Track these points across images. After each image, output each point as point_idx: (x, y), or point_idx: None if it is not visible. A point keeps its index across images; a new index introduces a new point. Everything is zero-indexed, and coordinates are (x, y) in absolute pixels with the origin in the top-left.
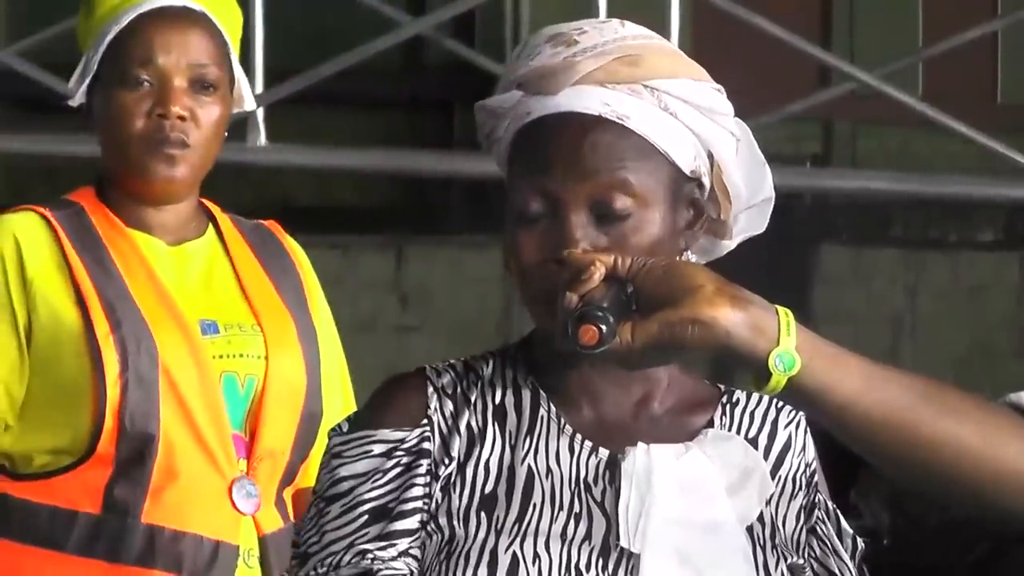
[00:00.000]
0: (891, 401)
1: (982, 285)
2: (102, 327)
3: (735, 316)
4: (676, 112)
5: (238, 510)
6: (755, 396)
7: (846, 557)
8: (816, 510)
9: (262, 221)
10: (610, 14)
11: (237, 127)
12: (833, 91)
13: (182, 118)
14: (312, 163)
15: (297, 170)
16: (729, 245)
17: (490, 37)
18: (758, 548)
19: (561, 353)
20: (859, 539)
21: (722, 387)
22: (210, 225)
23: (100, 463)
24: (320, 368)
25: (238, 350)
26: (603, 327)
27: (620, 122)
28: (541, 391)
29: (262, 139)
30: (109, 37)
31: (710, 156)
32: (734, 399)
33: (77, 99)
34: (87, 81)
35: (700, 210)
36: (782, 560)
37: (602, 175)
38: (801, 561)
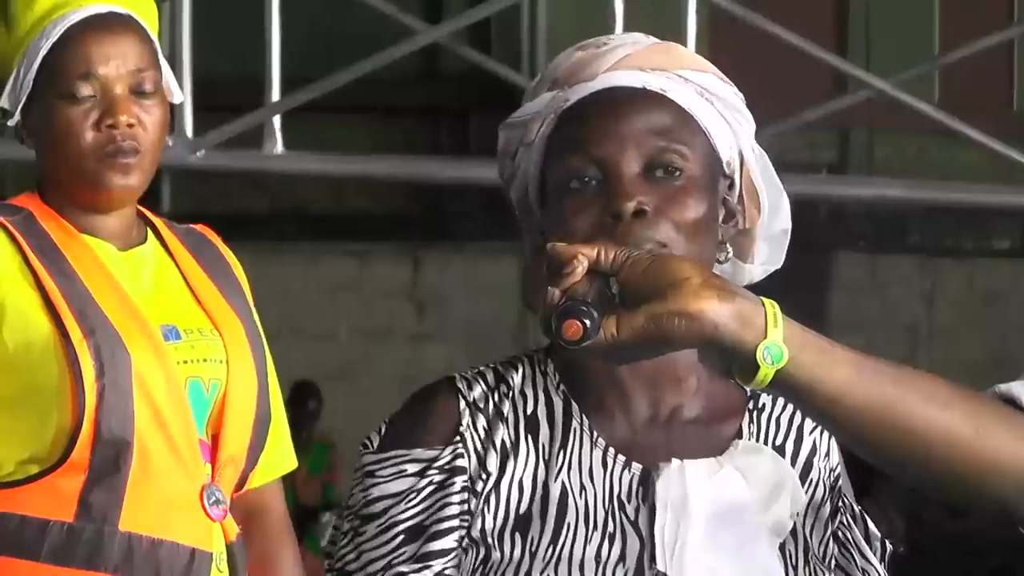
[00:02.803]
0: (881, 392)
1: (998, 292)
2: (76, 334)
3: (722, 308)
4: (711, 100)
5: (209, 516)
6: (780, 401)
7: (875, 560)
8: (840, 514)
9: (193, 225)
10: (627, 20)
11: (253, 135)
12: (849, 99)
13: (131, 125)
14: (328, 171)
15: (313, 178)
16: (752, 271)
17: (506, 45)
18: (790, 568)
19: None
20: (887, 542)
21: (748, 391)
22: (149, 230)
23: (72, 471)
24: (267, 373)
25: (201, 355)
26: (587, 321)
27: (662, 93)
28: (573, 401)
29: (278, 147)
30: (42, 53)
31: (741, 157)
32: (760, 404)
33: (13, 119)
34: (22, 99)
35: (731, 211)
36: None
37: (651, 137)
38: (830, 575)
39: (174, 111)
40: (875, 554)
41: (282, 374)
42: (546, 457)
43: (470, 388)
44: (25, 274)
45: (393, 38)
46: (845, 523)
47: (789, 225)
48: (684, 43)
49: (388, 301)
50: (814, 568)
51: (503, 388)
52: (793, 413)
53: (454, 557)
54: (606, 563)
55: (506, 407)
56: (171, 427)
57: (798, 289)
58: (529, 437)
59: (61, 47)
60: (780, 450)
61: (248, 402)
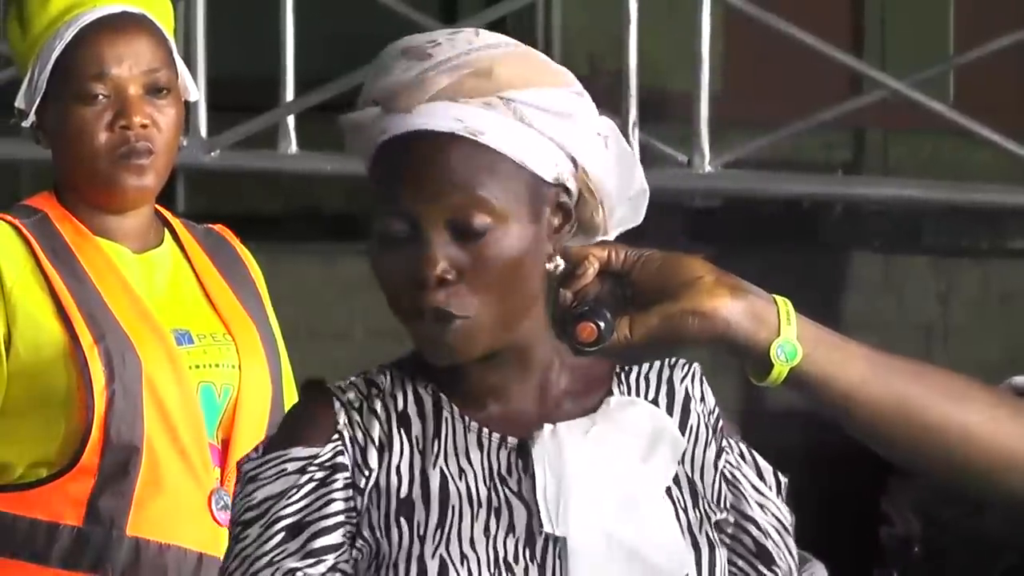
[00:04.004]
0: (896, 387)
1: (1014, 293)
2: (86, 339)
3: (735, 307)
4: (532, 122)
5: (217, 521)
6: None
7: (770, 493)
8: (724, 454)
9: (212, 225)
10: (640, 22)
11: (267, 135)
12: (865, 99)
13: (144, 126)
14: (343, 170)
15: (328, 177)
16: (607, 239)
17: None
18: (679, 511)
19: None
20: (781, 475)
21: None
22: (166, 231)
23: (83, 474)
24: (281, 377)
25: (213, 360)
26: (601, 324)
27: (474, 138)
28: (441, 395)
29: (293, 147)
30: (55, 54)
31: (573, 160)
32: (627, 367)
33: (29, 119)
34: (37, 100)
35: (568, 214)
36: (706, 520)
37: (457, 194)
38: (724, 515)
39: (188, 111)
40: (772, 489)
41: (297, 375)
42: (420, 447)
43: (344, 392)
44: (37, 278)
45: None
46: (732, 463)
47: (646, 185)
48: (699, 44)
49: None
50: (704, 510)
51: (374, 391)
52: (662, 368)
53: (344, 552)
54: (495, 535)
55: (378, 405)
56: (181, 432)
57: (812, 289)
58: (401, 431)
59: (74, 47)
60: (654, 404)
61: (261, 407)
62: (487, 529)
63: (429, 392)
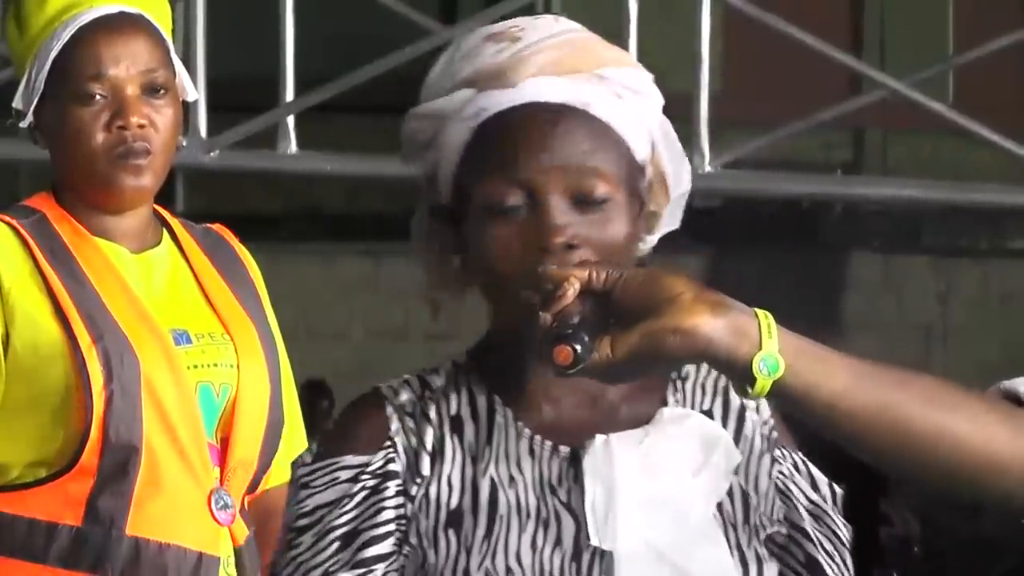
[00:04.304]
0: (879, 396)
1: (1013, 293)
2: (84, 339)
3: (716, 323)
4: (625, 99)
5: (217, 521)
6: (704, 367)
7: (826, 506)
8: (776, 464)
9: (210, 225)
10: (640, 22)
11: (267, 135)
12: (864, 99)
13: (142, 126)
14: (343, 170)
15: (327, 178)
16: (651, 241)
17: None
18: (729, 527)
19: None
20: (835, 486)
21: None
22: (164, 231)
23: (82, 475)
24: (280, 376)
25: (211, 360)
26: (577, 347)
27: (584, 109)
28: (496, 397)
29: (292, 147)
30: (52, 54)
31: (652, 144)
32: (683, 374)
33: (26, 119)
34: (35, 100)
35: (643, 201)
36: (755, 536)
37: (578, 162)
38: (776, 528)
39: (188, 111)
40: (826, 500)
41: (297, 374)
42: (473, 454)
43: (396, 395)
44: (35, 278)
45: (408, 38)
46: (785, 473)
47: (689, 187)
48: (698, 44)
49: (404, 301)
50: (755, 525)
51: (427, 393)
52: (718, 377)
53: (394, 562)
54: (542, 549)
55: (431, 410)
56: (180, 432)
57: (812, 289)
58: (454, 436)
59: (72, 48)
60: (708, 414)
61: (259, 406)
62: (534, 542)
63: (483, 393)
